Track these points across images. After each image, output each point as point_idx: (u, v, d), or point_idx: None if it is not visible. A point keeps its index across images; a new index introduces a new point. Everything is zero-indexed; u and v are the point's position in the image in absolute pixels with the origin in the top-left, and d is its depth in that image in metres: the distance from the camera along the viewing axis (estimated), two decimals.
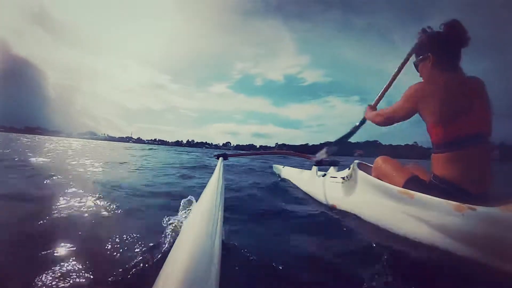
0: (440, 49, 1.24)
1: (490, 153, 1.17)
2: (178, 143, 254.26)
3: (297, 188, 2.75)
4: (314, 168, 2.52)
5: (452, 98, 1.15)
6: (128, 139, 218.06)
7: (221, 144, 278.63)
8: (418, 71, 1.36)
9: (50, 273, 0.77)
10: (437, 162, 1.21)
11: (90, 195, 1.72)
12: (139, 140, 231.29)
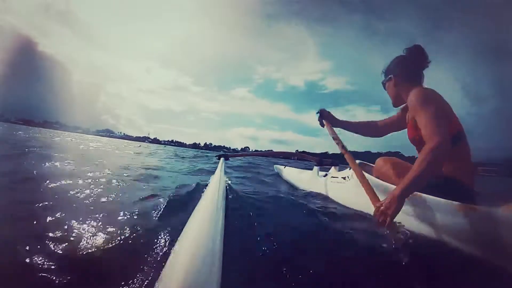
0: (401, 71, 1.43)
1: (469, 148, 1.28)
2: (195, 146, 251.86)
3: (299, 188, 2.80)
4: (315, 168, 2.59)
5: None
6: (144, 139, 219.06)
7: (239, 149, 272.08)
8: (385, 89, 1.57)
9: (49, 272, 0.75)
10: None
11: (89, 195, 1.68)
12: (155, 140, 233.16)
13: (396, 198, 1.04)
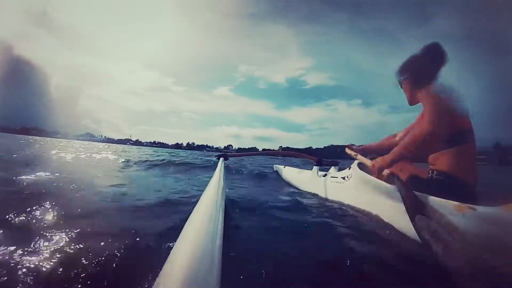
0: (417, 70, 1.41)
1: (475, 147, 1.29)
2: (178, 146, 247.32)
3: (298, 187, 2.80)
4: (315, 168, 2.59)
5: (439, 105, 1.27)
6: (126, 141, 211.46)
7: (222, 147, 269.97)
8: (401, 87, 1.55)
9: (48, 272, 0.76)
10: (435, 160, 1.31)
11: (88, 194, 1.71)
12: (137, 142, 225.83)
13: (387, 162, 1.41)
